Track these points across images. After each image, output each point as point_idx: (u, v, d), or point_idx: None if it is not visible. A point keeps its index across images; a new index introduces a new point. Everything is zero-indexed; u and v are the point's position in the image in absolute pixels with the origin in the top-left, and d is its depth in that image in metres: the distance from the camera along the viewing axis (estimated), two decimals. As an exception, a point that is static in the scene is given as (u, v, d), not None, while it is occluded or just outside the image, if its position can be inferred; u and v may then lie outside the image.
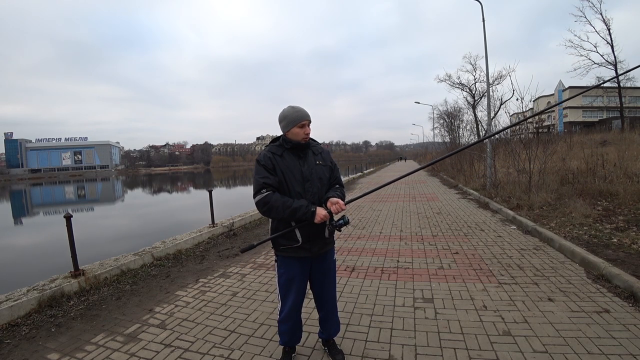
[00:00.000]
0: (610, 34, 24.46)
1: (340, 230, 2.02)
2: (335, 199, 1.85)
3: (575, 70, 26.14)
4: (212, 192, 6.11)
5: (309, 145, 2.00)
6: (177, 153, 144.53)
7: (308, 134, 1.93)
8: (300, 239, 1.89)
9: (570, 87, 40.84)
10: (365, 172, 26.11)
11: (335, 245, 2.13)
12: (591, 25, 24.64)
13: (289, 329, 2.03)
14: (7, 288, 3.23)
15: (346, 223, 1.89)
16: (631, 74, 26.45)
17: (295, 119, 1.89)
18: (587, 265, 3.43)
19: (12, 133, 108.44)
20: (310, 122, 1.94)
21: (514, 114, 13.59)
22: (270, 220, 1.97)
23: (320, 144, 2.12)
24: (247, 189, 27.90)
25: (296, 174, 1.89)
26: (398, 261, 3.96)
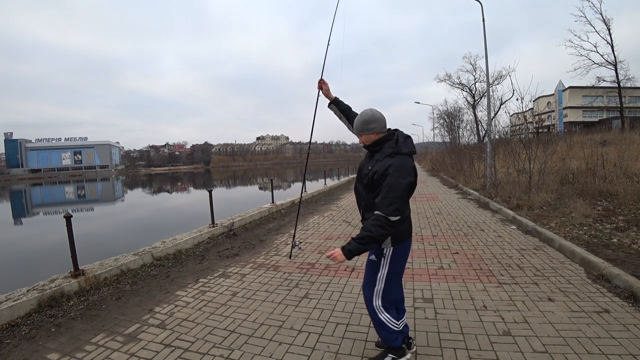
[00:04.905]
0: (610, 34, 24.45)
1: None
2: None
3: (575, 70, 26.17)
4: (212, 192, 6.12)
5: (380, 147, 1.85)
6: (177, 153, 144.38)
7: (362, 143, 1.94)
8: None
9: (570, 87, 40.81)
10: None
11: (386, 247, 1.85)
12: (591, 25, 24.64)
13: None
14: (7, 288, 3.23)
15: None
16: (631, 73, 26.49)
17: (355, 128, 1.95)
18: (587, 265, 3.43)
19: (12, 133, 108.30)
20: (364, 134, 1.89)
21: (514, 113, 13.59)
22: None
23: (390, 143, 1.82)
24: (247, 189, 27.88)
25: (359, 174, 1.99)
26: (398, 261, 3.96)
